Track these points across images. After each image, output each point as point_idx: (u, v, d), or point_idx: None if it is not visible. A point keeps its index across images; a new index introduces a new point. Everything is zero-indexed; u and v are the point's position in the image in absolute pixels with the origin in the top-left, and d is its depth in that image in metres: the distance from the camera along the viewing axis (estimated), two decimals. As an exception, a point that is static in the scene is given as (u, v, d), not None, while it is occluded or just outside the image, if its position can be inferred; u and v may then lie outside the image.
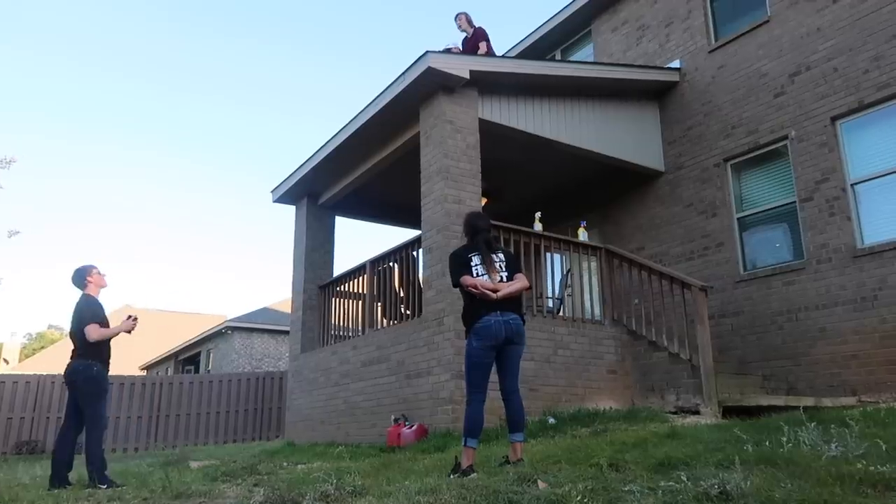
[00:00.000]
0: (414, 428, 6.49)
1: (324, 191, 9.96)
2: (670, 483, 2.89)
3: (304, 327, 9.79)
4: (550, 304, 8.25)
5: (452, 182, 7.00)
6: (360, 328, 8.82)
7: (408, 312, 7.95)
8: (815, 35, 7.88)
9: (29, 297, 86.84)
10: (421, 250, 7.39)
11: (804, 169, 7.75)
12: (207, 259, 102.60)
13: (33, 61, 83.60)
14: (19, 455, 12.14)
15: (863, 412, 4.78)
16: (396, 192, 9.71)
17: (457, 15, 9.45)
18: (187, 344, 25.80)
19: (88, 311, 5.33)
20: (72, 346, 5.37)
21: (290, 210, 10.61)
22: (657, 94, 9.54)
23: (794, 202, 7.84)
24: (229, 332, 22.03)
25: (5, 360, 41.12)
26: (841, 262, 7.25)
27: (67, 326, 6.13)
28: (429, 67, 6.85)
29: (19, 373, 19.99)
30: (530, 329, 5.47)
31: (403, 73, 7.23)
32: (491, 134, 7.59)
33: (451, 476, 3.77)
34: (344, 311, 9.37)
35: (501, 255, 4.34)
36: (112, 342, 5.43)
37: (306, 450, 7.64)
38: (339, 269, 9.82)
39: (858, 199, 7.33)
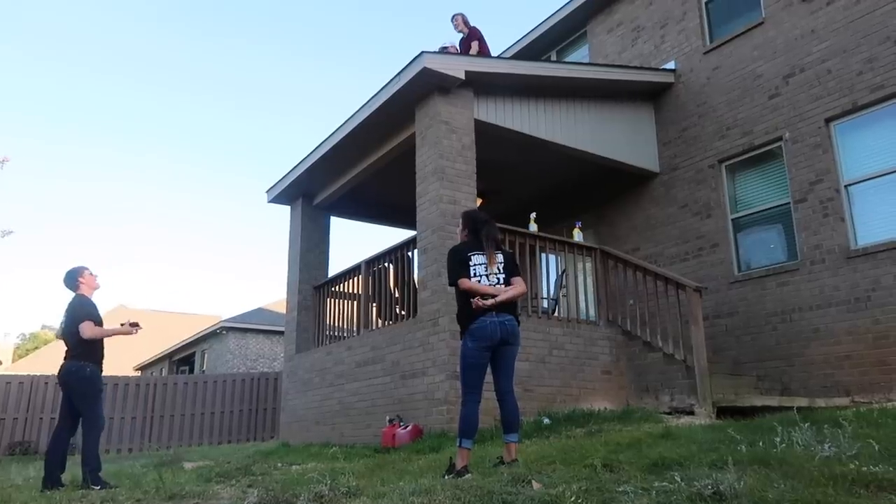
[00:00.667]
0: (409, 428, 6.49)
1: (319, 191, 9.95)
2: (664, 483, 2.89)
3: (299, 328, 9.77)
4: (545, 304, 8.25)
5: (448, 182, 7.00)
6: (355, 329, 8.81)
7: (403, 313, 7.94)
8: (809, 37, 7.91)
9: (22, 297, 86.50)
10: (416, 251, 7.39)
11: (798, 170, 7.78)
12: (202, 259, 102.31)
13: (24, 62, 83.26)
14: (12, 456, 12.07)
15: (856, 413, 4.80)
16: (392, 193, 9.71)
17: (453, 16, 9.48)
18: (182, 344, 25.71)
19: (82, 311, 5.31)
20: (65, 348, 5.34)
21: (285, 210, 10.61)
22: (652, 95, 9.56)
23: (789, 203, 7.87)
24: (224, 332, 21.96)
25: (-1, 361, 40.90)
26: (835, 262, 7.28)
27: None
28: (424, 68, 6.85)
29: (12, 373, 19.87)
30: (525, 330, 5.47)
31: (399, 74, 7.23)
32: (486, 134, 7.59)
33: (446, 477, 3.77)
34: (339, 312, 9.36)
35: (500, 256, 4.30)
36: (106, 342, 5.41)
37: (301, 450, 7.63)
38: (334, 269, 9.82)
39: (852, 201, 7.36)
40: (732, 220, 8.48)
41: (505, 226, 7.37)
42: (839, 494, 2.55)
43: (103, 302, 59.45)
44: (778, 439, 3.62)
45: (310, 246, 10.05)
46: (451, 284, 4.29)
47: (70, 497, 4.49)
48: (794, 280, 7.61)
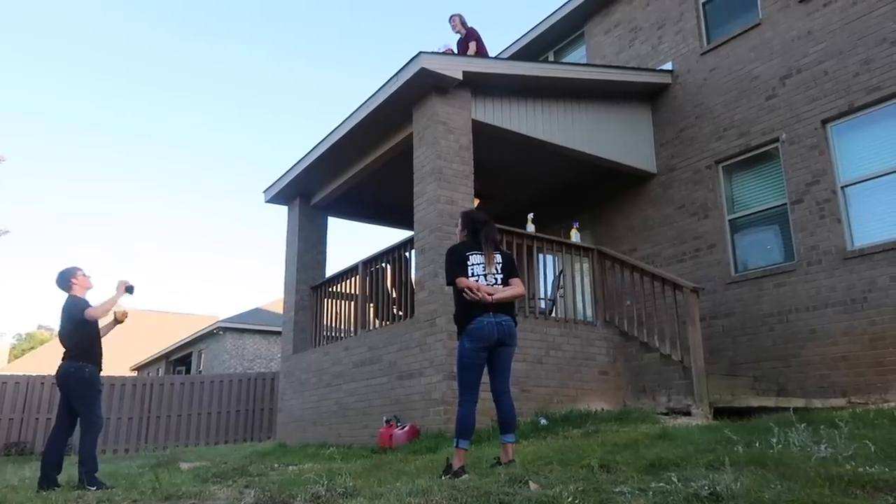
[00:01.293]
0: (406, 429, 6.48)
1: (316, 191, 9.95)
2: (661, 484, 2.90)
3: (297, 328, 9.76)
4: (542, 305, 8.26)
5: (445, 183, 7.00)
6: (352, 329, 8.81)
7: (400, 313, 7.94)
8: (805, 38, 7.93)
9: (19, 297, 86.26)
10: (413, 251, 7.38)
11: (795, 171, 7.80)
12: (199, 259, 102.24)
13: (24, 62, 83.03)
14: (8, 456, 12.03)
15: (852, 413, 4.81)
16: (389, 193, 9.70)
17: (451, 17, 9.51)
18: (179, 344, 25.66)
19: (77, 309, 5.30)
20: (62, 349, 5.33)
21: (282, 210, 10.60)
22: (649, 95, 9.57)
23: (785, 204, 7.88)
24: (221, 332, 21.93)
25: (-6, 361, 40.79)
26: (831, 263, 7.29)
27: (57, 328, 6.09)
28: (422, 68, 6.85)
29: (8, 373, 19.81)
30: (522, 330, 5.47)
31: (396, 74, 7.22)
32: (484, 135, 7.59)
33: (443, 477, 3.76)
34: (336, 312, 9.35)
35: (499, 257, 4.29)
36: (103, 343, 5.40)
37: (298, 451, 7.62)
38: (331, 269, 9.82)
39: (849, 202, 7.38)
40: (729, 220, 8.49)
41: (502, 226, 7.37)
42: (835, 495, 2.55)
43: (99, 301, 59.20)
44: (774, 440, 3.63)
45: (307, 246, 10.04)
46: (448, 283, 4.28)
47: (66, 498, 4.48)
48: (791, 281, 7.62)
